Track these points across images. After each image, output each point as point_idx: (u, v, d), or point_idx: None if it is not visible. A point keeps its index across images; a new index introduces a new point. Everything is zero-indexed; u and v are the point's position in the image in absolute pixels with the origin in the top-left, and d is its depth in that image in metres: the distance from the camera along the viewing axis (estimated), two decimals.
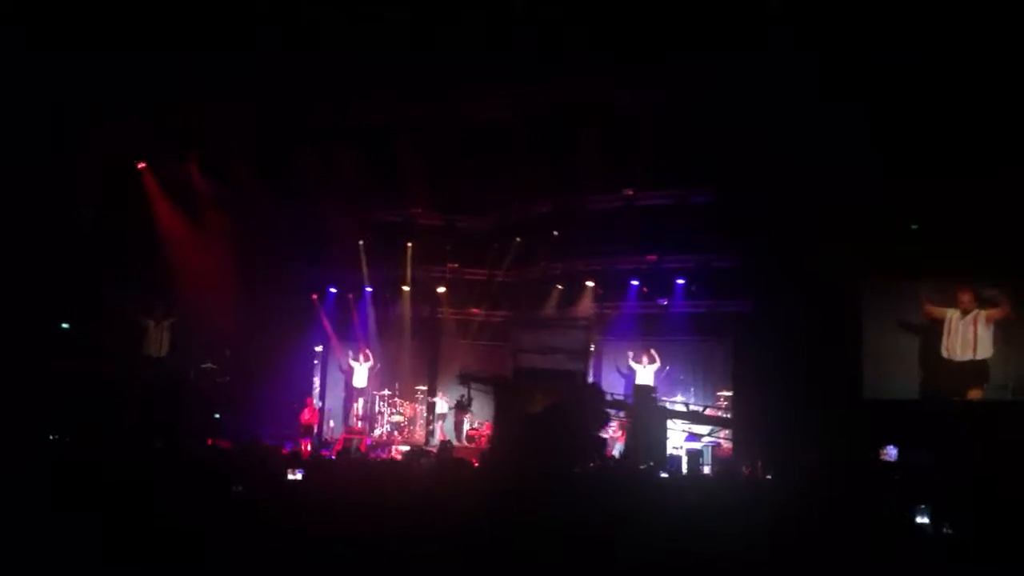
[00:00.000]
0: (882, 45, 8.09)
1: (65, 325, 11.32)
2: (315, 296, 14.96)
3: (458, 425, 13.86)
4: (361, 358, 14.93)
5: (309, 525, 4.94)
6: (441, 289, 15.19)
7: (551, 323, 14.38)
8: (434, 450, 11.40)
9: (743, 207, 11.38)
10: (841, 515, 5.25)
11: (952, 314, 10.58)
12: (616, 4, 8.12)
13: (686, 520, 5.10)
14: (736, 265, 12.89)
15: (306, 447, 12.23)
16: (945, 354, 10.58)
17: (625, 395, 13.15)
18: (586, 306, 14.70)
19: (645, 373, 13.88)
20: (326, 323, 15.15)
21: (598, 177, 11.69)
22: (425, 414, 14.67)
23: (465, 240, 14.65)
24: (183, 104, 10.14)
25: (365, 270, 14.68)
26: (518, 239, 14.29)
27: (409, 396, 14.94)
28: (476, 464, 9.91)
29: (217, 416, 11.77)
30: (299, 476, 6.97)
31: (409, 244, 14.52)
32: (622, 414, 12.53)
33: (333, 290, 15.19)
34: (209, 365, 12.21)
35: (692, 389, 14.12)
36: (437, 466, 8.78)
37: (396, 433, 14.28)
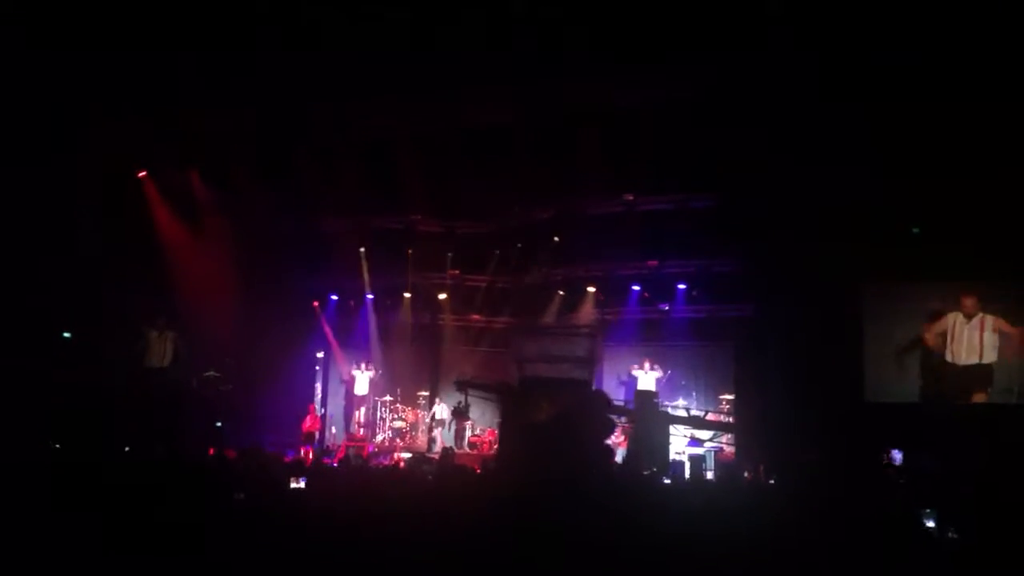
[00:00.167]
0: (882, 45, 8.09)
1: (67, 334, 11.32)
2: (316, 303, 14.98)
3: (460, 432, 13.84)
4: (363, 365, 14.93)
5: (311, 532, 4.93)
6: (442, 296, 15.19)
7: (556, 331, 14.38)
8: (436, 457, 11.40)
9: (743, 211, 11.38)
10: (844, 519, 5.23)
11: (954, 319, 10.53)
12: (616, 4, 8.12)
13: (688, 524, 5.08)
14: (737, 269, 12.88)
15: (308, 455, 12.20)
16: (949, 358, 10.53)
17: (626, 401, 13.12)
18: (588, 312, 14.68)
19: (646, 379, 13.86)
20: (327, 330, 15.15)
21: (598, 182, 11.69)
22: (427, 420, 14.65)
23: (466, 246, 14.66)
24: (183, 108, 10.15)
25: (366, 277, 14.69)
26: (519, 245, 14.28)
27: (411, 402, 14.92)
28: (478, 471, 9.92)
29: (219, 424, 11.75)
30: (302, 484, 6.96)
31: (410, 251, 14.52)
32: (624, 420, 12.50)
33: (334, 297, 15.20)
34: (212, 373, 12.21)
35: (694, 394, 14.09)
36: (439, 473, 8.77)
37: (398, 439, 14.25)
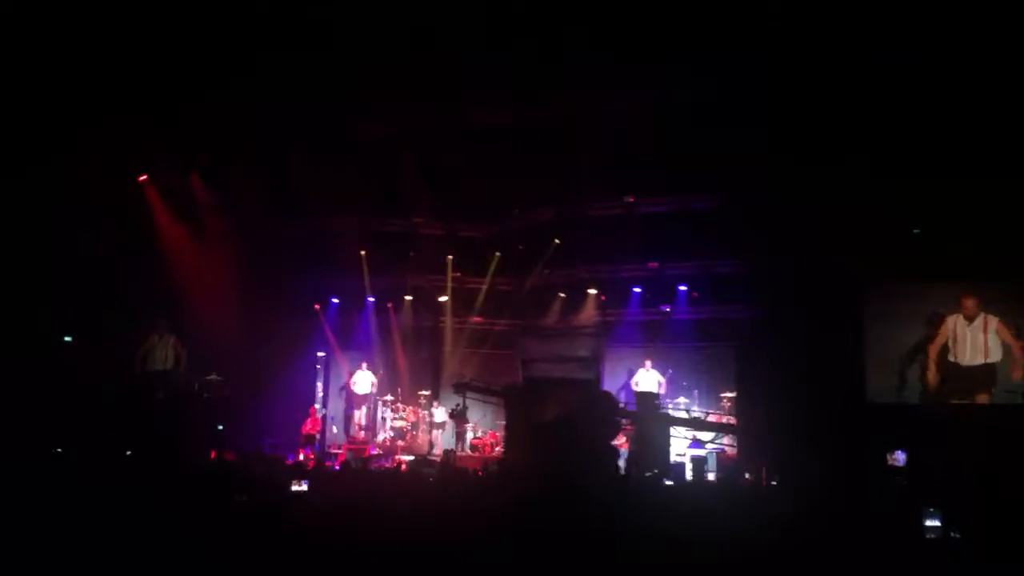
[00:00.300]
0: (882, 45, 8.08)
1: (68, 338, 11.32)
2: (317, 306, 14.98)
3: (461, 434, 13.83)
4: (364, 366, 14.95)
5: (312, 535, 4.92)
6: (443, 298, 15.19)
7: (560, 332, 14.38)
8: (437, 459, 11.39)
9: (744, 212, 11.37)
10: (847, 519, 5.22)
11: (955, 321, 10.51)
12: (616, 4, 8.13)
13: (689, 526, 5.07)
14: (738, 271, 12.87)
15: (307, 457, 12.20)
16: (952, 359, 10.51)
17: (626, 402, 13.10)
18: (589, 314, 14.68)
19: (647, 380, 13.85)
20: (329, 333, 15.15)
21: (599, 183, 11.68)
22: (428, 420, 14.64)
23: (467, 249, 14.66)
24: (184, 109, 10.15)
25: (367, 280, 14.69)
26: (520, 247, 14.28)
27: (411, 401, 14.93)
28: (480, 473, 9.90)
29: (220, 427, 11.75)
30: (304, 487, 6.97)
31: (411, 253, 14.52)
32: (625, 421, 12.49)
33: (335, 300, 15.19)
34: (214, 376, 12.21)
35: (696, 393, 14.05)
36: (440, 475, 8.76)
37: (399, 439, 14.26)
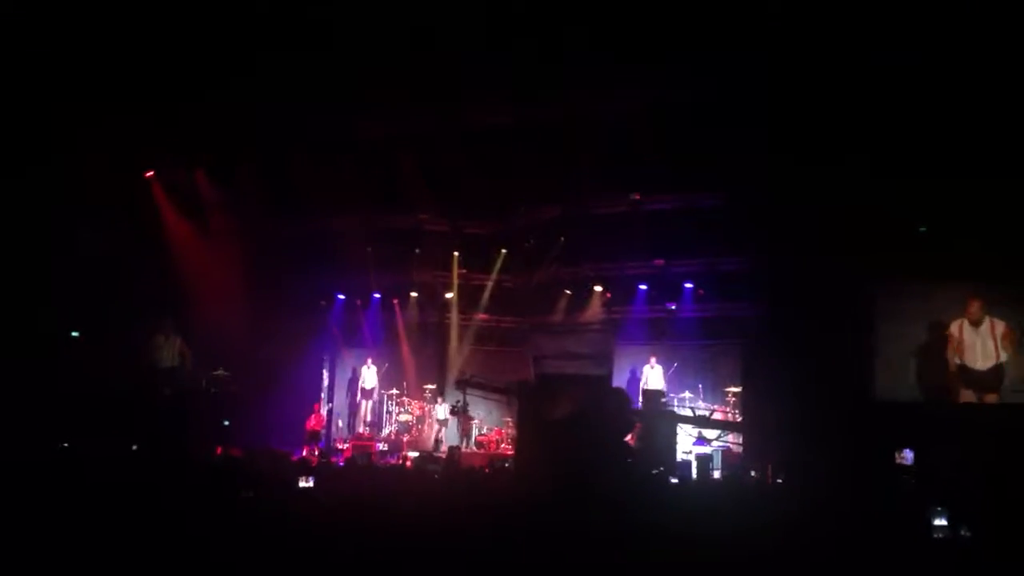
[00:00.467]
0: (882, 45, 8.04)
1: (75, 333, 11.36)
2: (323, 303, 15.00)
3: (466, 431, 13.85)
4: (369, 361, 14.99)
5: (318, 531, 4.93)
6: (449, 295, 15.20)
7: (572, 328, 14.36)
8: (443, 456, 11.41)
9: (750, 210, 11.33)
10: (853, 518, 5.20)
11: (960, 325, 10.47)
12: (616, 4, 8.10)
13: (694, 524, 5.07)
14: (744, 268, 12.84)
15: (312, 454, 12.23)
16: (958, 361, 10.48)
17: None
18: (595, 311, 14.67)
19: (653, 376, 13.84)
20: (335, 330, 15.18)
21: (604, 181, 11.66)
22: (434, 413, 14.67)
23: (472, 245, 14.66)
24: (184, 109, 10.16)
25: (373, 276, 14.71)
26: (526, 244, 14.28)
27: (417, 395, 14.95)
28: (487, 470, 9.90)
29: (227, 423, 11.78)
30: (311, 483, 6.98)
31: (417, 250, 14.53)
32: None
33: (341, 297, 15.21)
34: (221, 372, 12.26)
35: (701, 389, 14.03)
36: (445, 472, 8.78)
37: (404, 434, 14.28)
